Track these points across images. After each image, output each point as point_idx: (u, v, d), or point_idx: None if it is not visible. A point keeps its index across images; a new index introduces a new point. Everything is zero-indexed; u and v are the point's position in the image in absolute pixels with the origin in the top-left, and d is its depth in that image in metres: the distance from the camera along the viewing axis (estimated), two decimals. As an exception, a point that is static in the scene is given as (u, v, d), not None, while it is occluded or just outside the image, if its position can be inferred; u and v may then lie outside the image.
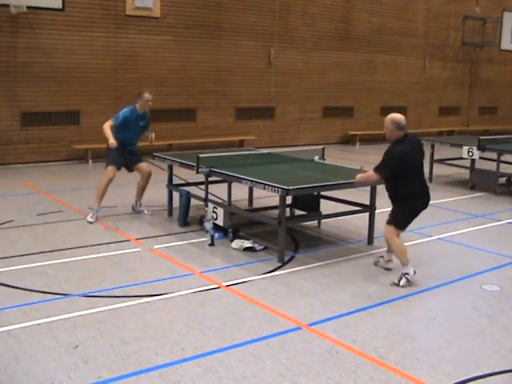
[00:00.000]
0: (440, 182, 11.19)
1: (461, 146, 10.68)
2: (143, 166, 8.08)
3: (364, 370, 3.94)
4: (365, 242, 6.93)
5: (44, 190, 9.77)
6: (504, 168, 10.81)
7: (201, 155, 7.14)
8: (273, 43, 15.77)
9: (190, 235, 7.13)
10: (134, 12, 13.35)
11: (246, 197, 8.30)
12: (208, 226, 6.75)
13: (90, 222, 7.56)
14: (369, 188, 6.80)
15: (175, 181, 8.27)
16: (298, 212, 7.57)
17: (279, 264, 6.08)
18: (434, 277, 5.84)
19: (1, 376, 3.75)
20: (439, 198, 9.58)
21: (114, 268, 5.92)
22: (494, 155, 10.24)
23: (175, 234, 7.23)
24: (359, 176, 5.74)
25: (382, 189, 5.91)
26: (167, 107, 13.94)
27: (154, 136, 7.95)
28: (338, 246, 6.95)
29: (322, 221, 7.61)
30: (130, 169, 8.14)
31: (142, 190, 8.14)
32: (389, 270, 5.92)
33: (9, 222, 7.61)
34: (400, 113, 5.67)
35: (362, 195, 7.28)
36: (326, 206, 7.34)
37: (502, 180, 10.84)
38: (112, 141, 7.48)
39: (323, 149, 8.03)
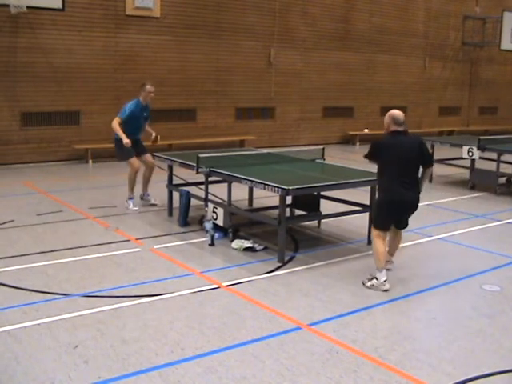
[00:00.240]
0: (440, 182, 11.20)
1: (461, 146, 10.68)
2: (148, 156, 8.59)
3: (364, 369, 3.94)
4: (365, 241, 6.93)
5: (44, 190, 9.78)
6: (504, 168, 10.82)
7: (201, 155, 7.15)
8: (273, 43, 15.77)
9: (189, 235, 7.14)
10: (134, 12, 13.36)
11: (246, 197, 8.30)
12: (208, 226, 6.75)
13: (136, 210, 8.26)
14: (369, 188, 6.81)
15: (175, 181, 8.29)
16: (298, 212, 7.58)
17: (279, 264, 6.08)
18: (434, 277, 5.84)
19: (1, 376, 3.75)
20: (439, 198, 9.58)
21: (114, 268, 5.92)
22: (494, 155, 10.25)
23: (175, 233, 7.23)
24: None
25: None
26: (167, 107, 13.95)
27: (159, 138, 8.56)
28: (337, 245, 6.96)
29: (322, 221, 7.61)
30: (138, 158, 8.56)
31: (147, 182, 8.60)
32: (388, 270, 5.91)
33: (9, 221, 7.61)
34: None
35: (362, 195, 7.28)
36: (325, 206, 7.34)
37: (502, 180, 10.84)
38: (126, 140, 8.00)
39: (323, 149, 8.03)
